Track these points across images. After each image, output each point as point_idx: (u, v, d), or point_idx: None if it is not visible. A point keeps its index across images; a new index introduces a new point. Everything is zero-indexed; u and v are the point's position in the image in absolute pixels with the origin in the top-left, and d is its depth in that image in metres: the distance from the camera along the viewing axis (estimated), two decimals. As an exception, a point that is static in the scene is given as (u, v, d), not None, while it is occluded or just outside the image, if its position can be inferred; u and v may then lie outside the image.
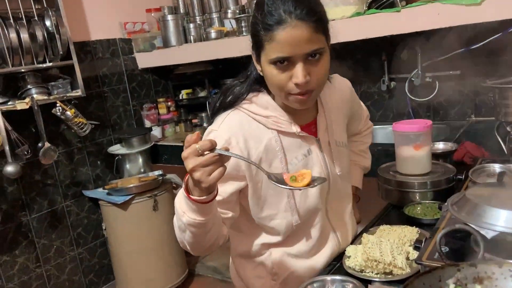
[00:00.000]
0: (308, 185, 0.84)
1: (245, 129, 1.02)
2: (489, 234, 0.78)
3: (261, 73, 1.01)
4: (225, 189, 1.01)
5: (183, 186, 0.88)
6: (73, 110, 2.44)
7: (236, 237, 1.17)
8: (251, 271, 1.15)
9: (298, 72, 0.91)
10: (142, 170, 2.86)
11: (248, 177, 1.02)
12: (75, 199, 2.76)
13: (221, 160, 0.82)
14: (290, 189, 0.88)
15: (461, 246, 0.91)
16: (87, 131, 2.56)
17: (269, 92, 1.06)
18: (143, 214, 2.65)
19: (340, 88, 1.20)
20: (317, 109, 1.12)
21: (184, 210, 0.90)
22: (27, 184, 2.51)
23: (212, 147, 0.80)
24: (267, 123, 1.03)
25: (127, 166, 2.86)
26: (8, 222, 2.44)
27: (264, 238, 1.11)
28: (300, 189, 0.89)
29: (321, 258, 1.11)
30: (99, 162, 2.88)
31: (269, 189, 1.04)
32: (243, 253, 1.16)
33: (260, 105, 1.04)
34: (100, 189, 2.79)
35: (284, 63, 0.92)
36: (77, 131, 2.52)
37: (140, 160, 2.87)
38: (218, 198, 1.00)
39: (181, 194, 0.91)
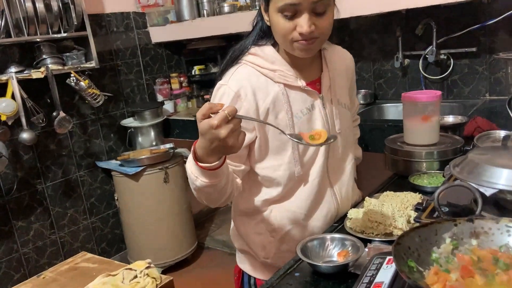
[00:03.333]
0: (325, 141, 0.89)
1: (253, 82, 1.06)
2: (488, 192, 0.78)
3: (268, 23, 1.05)
4: None
5: (192, 154, 0.91)
6: (87, 81, 2.48)
7: (238, 196, 1.20)
8: (252, 228, 1.18)
9: (303, 21, 0.96)
10: (154, 143, 2.90)
11: (258, 128, 1.07)
12: (89, 169, 2.82)
13: (239, 122, 0.85)
14: (308, 145, 0.95)
15: (462, 209, 0.91)
16: (101, 102, 2.60)
17: (273, 46, 1.10)
18: (154, 185, 2.70)
19: (343, 56, 1.24)
20: (321, 68, 1.15)
21: (196, 175, 0.93)
22: (42, 152, 2.57)
23: (236, 112, 0.83)
24: (274, 77, 1.07)
25: (139, 139, 2.91)
26: (24, 189, 2.51)
27: (265, 194, 1.14)
28: (319, 145, 0.95)
29: (319, 216, 1.14)
30: (112, 135, 2.93)
31: (275, 141, 1.08)
32: (245, 211, 1.19)
33: (267, 59, 1.08)
34: (113, 161, 2.84)
35: (291, 12, 0.96)
36: (90, 102, 2.56)
37: (152, 133, 2.90)
38: None
39: (191, 159, 0.93)
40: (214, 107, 0.82)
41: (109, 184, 2.93)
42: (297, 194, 1.13)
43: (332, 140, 0.90)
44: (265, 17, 1.05)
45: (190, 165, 0.95)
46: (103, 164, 2.83)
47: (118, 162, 2.74)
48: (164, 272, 2.82)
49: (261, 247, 1.17)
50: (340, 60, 1.20)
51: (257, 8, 2.52)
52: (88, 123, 2.79)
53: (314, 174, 1.11)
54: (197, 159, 0.90)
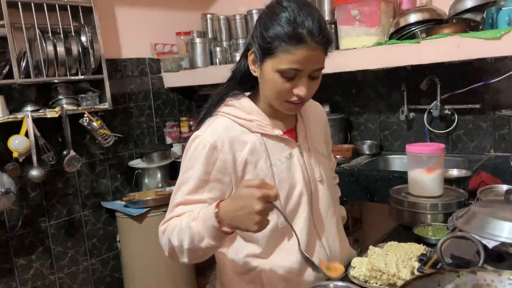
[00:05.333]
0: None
1: (230, 133, 1.06)
2: (491, 244, 0.78)
3: (254, 74, 1.06)
4: (213, 194, 1.05)
5: (214, 215, 0.92)
6: (99, 122, 2.55)
7: (221, 256, 1.16)
8: None
9: (303, 86, 1.00)
10: (160, 185, 2.92)
11: (234, 181, 1.06)
12: (93, 209, 2.83)
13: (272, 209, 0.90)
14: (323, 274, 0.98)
15: (466, 262, 0.91)
16: (111, 143, 2.65)
17: (250, 96, 1.12)
18: (157, 228, 2.67)
19: (316, 108, 1.27)
20: (296, 118, 1.18)
21: (204, 235, 0.94)
22: (49, 190, 2.59)
23: (277, 199, 0.88)
24: (251, 127, 1.08)
25: (146, 180, 2.93)
26: (28, 226, 2.51)
27: (248, 249, 1.11)
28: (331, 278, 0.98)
29: (311, 271, 1.09)
30: (119, 175, 2.96)
31: None
32: (232, 270, 1.14)
33: (243, 110, 1.09)
34: (118, 201, 2.85)
35: (292, 75, 0.99)
36: (101, 142, 2.62)
37: (159, 175, 2.93)
38: (205, 205, 1.03)
39: (201, 221, 0.94)
40: (265, 184, 0.88)
41: (112, 225, 2.92)
42: (285, 248, 1.09)
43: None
44: (253, 68, 1.06)
45: (198, 225, 0.94)
46: (108, 205, 2.84)
47: (123, 203, 2.75)
48: (162, 319, 2.74)
49: None
50: (313, 111, 1.24)
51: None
52: (97, 162, 2.83)
53: (301, 225, 1.08)
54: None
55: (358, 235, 2.69)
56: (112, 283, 2.95)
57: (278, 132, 1.10)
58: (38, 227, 2.56)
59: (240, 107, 1.09)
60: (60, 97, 2.49)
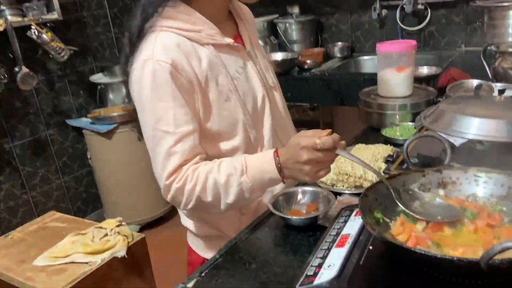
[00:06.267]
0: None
1: (182, 48, 0.91)
2: (458, 142, 0.77)
3: None
4: (196, 122, 0.94)
5: (275, 167, 0.86)
6: (49, 34, 2.34)
7: None
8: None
9: None
10: (126, 100, 2.81)
11: (201, 98, 0.94)
12: (58, 127, 2.73)
13: (332, 158, 0.82)
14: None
15: (432, 160, 0.90)
16: (66, 57, 2.47)
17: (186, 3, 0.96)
18: (127, 143, 2.64)
19: (247, 8, 1.13)
20: (235, 23, 1.06)
21: (254, 189, 0.89)
22: (7, 111, 2.46)
23: (333, 146, 0.79)
24: (201, 38, 0.94)
25: (110, 96, 2.81)
26: (-10, 148, 2.42)
27: None
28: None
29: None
30: (81, 91, 2.82)
31: (223, 110, 0.97)
32: None
33: (187, 20, 0.93)
34: (84, 118, 2.76)
35: None
36: (54, 56, 2.43)
37: (124, 90, 2.80)
38: (193, 137, 0.93)
39: (253, 176, 0.88)
40: (316, 132, 0.81)
41: (81, 142, 2.85)
42: None
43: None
44: None
45: (252, 181, 0.88)
46: (73, 122, 2.74)
47: (89, 120, 2.66)
48: (141, 229, 2.82)
49: (233, 229, 1.04)
50: (247, 13, 1.11)
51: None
52: (55, 79, 2.66)
53: (268, 135, 1.03)
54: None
55: (330, 138, 2.72)
56: (88, 199, 2.97)
57: (229, 40, 0.97)
58: (1, 149, 2.47)
59: (181, 18, 0.93)
60: (1, 7, 2.25)
